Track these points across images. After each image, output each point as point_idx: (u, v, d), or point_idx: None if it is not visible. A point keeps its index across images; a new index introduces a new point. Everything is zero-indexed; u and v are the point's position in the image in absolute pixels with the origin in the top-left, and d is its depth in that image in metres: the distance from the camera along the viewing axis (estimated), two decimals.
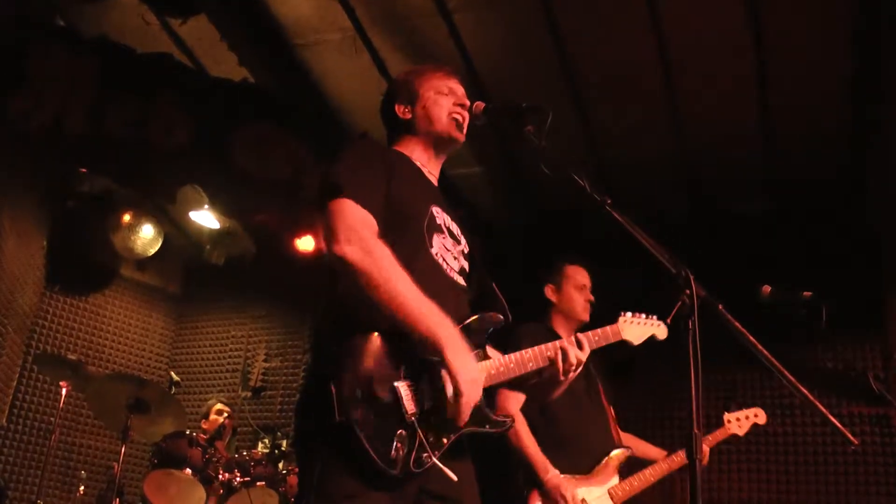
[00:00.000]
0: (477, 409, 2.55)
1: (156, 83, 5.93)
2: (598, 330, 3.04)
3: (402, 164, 2.86)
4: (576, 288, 4.58)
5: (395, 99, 3.05)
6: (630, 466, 4.45)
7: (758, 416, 4.67)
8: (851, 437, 3.41)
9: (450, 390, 2.42)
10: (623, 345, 3.27)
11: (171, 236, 8.66)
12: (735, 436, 4.61)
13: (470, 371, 2.43)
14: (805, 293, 4.15)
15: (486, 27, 5.84)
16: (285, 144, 6.20)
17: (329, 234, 2.52)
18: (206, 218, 7.91)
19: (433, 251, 2.73)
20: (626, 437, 4.73)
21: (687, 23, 5.57)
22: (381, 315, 2.43)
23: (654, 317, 3.31)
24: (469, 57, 5.98)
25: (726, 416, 4.63)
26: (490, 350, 2.82)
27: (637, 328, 3.25)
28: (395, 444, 2.37)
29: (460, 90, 3.05)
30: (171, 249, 8.78)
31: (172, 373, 7.11)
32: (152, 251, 8.38)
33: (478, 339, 2.69)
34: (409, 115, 3.00)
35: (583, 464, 4.20)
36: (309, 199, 6.09)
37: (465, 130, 3.00)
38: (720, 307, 2.71)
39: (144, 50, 5.98)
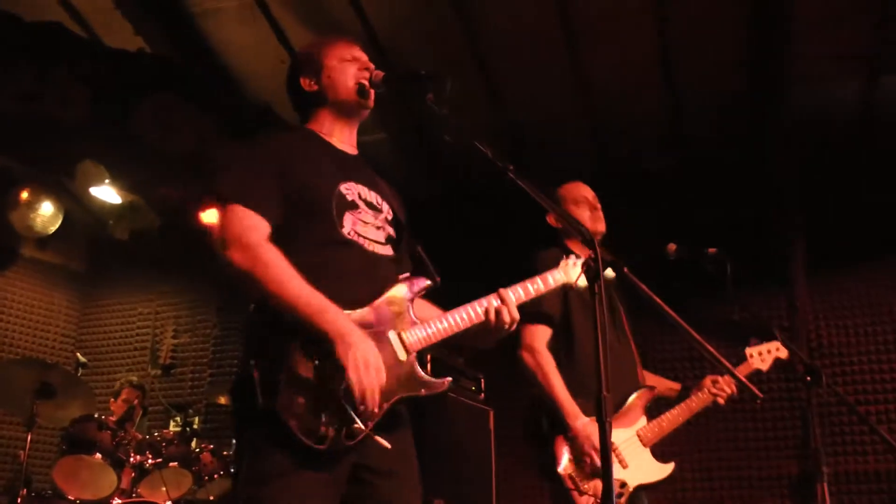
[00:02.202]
0: (409, 374, 2.61)
1: (49, 54, 5.70)
2: (539, 276, 3.01)
3: (304, 147, 2.85)
4: (574, 203, 4.31)
5: (299, 73, 3.01)
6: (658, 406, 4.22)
7: (779, 349, 4.37)
8: (756, 391, 3.49)
9: (354, 382, 2.44)
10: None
11: (73, 212, 8.40)
12: (759, 371, 4.34)
13: (364, 359, 2.46)
14: (710, 249, 4.21)
15: None
16: (185, 115, 6.03)
17: (219, 242, 2.57)
18: (107, 193, 7.67)
19: (345, 231, 2.72)
20: (646, 375, 4.45)
21: None
22: None
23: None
24: (370, 24, 5.92)
25: (748, 350, 4.38)
26: (428, 309, 2.85)
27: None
28: (323, 419, 2.41)
29: (364, 57, 3.02)
30: (73, 226, 8.53)
31: (79, 354, 6.90)
32: (53, 228, 8.12)
33: (400, 308, 2.71)
34: (315, 87, 2.96)
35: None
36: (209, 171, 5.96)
37: (372, 95, 2.96)
38: (625, 269, 2.73)
39: (34, 19, 5.75)
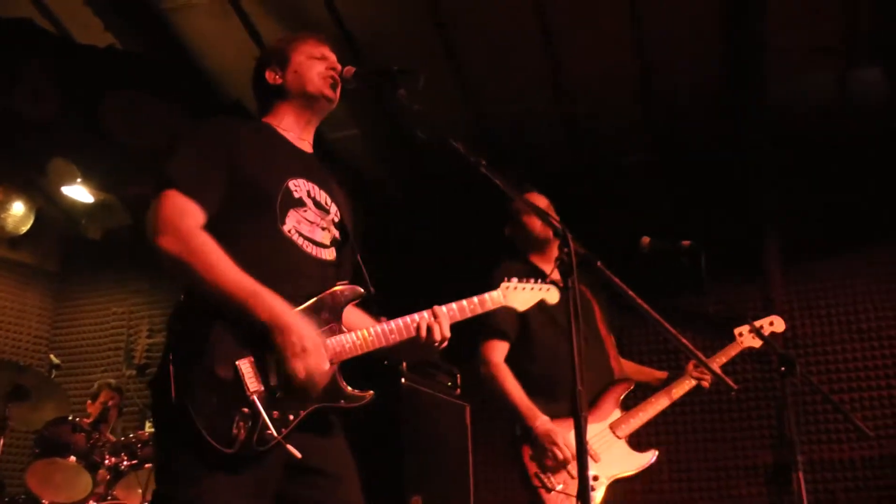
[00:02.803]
0: (329, 384, 2.55)
1: (18, 51, 5.64)
2: (476, 297, 2.96)
3: (257, 138, 2.80)
4: (526, 214, 4.33)
5: (265, 65, 2.99)
6: (636, 396, 4.21)
7: (773, 323, 4.35)
8: (731, 383, 3.50)
9: (297, 368, 2.41)
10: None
11: (45, 211, 8.31)
12: (751, 348, 4.31)
13: (306, 339, 2.43)
14: (684, 242, 4.22)
15: None
16: (157, 112, 5.97)
17: (150, 226, 2.50)
18: (79, 192, 7.61)
19: (285, 228, 2.67)
20: (627, 365, 4.53)
21: None
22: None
23: (541, 280, 3.15)
24: (341, 19, 5.88)
25: (737, 329, 4.35)
26: (360, 318, 2.83)
27: (523, 294, 3.11)
28: (236, 422, 2.35)
29: (332, 56, 3.00)
30: (46, 225, 8.43)
31: (52, 355, 6.87)
32: (25, 228, 8.04)
33: (330, 315, 2.65)
34: (279, 81, 2.94)
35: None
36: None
37: (338, 92, 2.95)
38: (599, 264, 2.73)
39: (3, 15, 5.69)
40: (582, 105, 6.70)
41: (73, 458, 5.48)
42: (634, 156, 7.12)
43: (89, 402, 6.67)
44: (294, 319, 2.44)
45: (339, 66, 2.95)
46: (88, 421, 5.99)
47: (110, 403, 6.46)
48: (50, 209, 8.38)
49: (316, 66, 2.93)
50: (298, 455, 2.41)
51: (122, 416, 6.78)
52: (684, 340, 2.85)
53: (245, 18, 5.95)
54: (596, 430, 3.97)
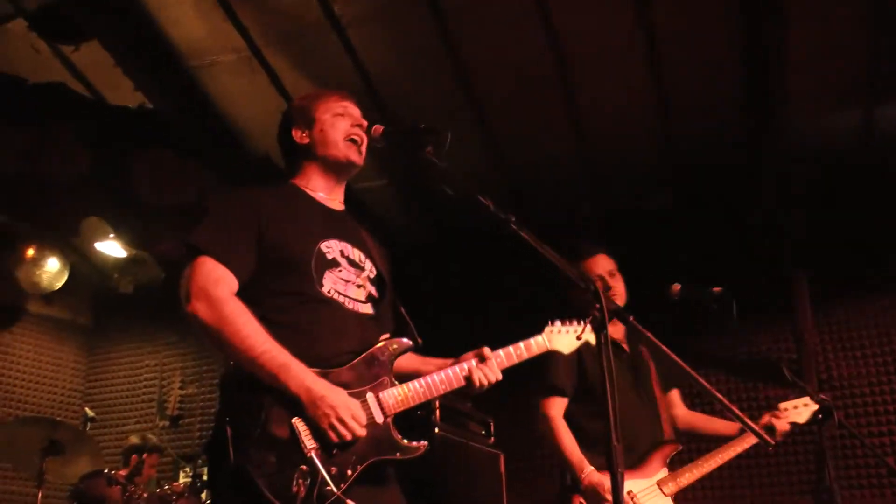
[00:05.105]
0: (384, 437, 2.59)
1: (49, 113, 5.77)
2: (522, 342, 3.00)
3: (286, 204, 2.85)
4: (597, 278, 4.36)
5: (291, 124, 3.02)
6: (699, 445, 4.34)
7: (808, 405, 4.33)
8: (768, 438, 3.46)
9: (339, 435, 2.45)
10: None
11: (78, 267, 8.42)
12: (795, 423, 4.31)
13: (339, 408, 2.47)
14: (715, 289, 4.21)
15: (381, 42, 5.82)
16: (185, 169, 6.08)
17: (183, 293, 2.56)
18: (112, 248, 7.72)
19: (324, 290, 2.72)
20: (695, 416, 4.62)
21: (580, 25, 5.62)
22: None
23: (585, 322, 3.13)
24: (366, 72, 5.95)
25: (782, 405, 4.37)
26: (415, 361, 2.87)
27: (567, 337, 3.15)
28: (296, 480, 2.37)
29: (356, 111, 3.04)
30: (79, 280, 8.55)
31: (87, 408, 6.92)
32: (59, 284, 8.13)
33: (380, 368, 2.71)
34: (306, 140, 2.98)
35: (627, 459, 3.85)
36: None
37: (363, 152, 2.98)
38: (631, 319, 2.72)
39: (36, 79, 5.83)
40: (603, 152, 6.71)
41: None
42: (657, 199, 7.10)
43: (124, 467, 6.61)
44: (323, 391, 2.47)
45: (363, 122, 2.99)
46: (123, 473, 6.02)
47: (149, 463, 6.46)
48: (82, 265, 8.50)
49: (339, 123, 2.96)
50: None
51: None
52: (718, 395, 2.83)
53: (271, 74, 6.02)
54: (644, 486, 4.01)
